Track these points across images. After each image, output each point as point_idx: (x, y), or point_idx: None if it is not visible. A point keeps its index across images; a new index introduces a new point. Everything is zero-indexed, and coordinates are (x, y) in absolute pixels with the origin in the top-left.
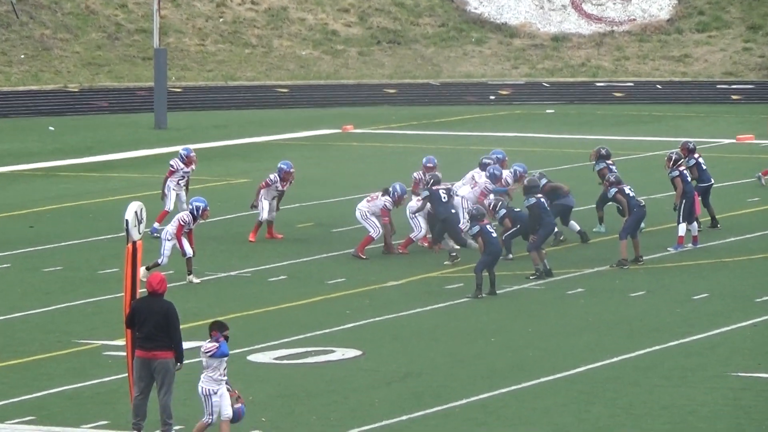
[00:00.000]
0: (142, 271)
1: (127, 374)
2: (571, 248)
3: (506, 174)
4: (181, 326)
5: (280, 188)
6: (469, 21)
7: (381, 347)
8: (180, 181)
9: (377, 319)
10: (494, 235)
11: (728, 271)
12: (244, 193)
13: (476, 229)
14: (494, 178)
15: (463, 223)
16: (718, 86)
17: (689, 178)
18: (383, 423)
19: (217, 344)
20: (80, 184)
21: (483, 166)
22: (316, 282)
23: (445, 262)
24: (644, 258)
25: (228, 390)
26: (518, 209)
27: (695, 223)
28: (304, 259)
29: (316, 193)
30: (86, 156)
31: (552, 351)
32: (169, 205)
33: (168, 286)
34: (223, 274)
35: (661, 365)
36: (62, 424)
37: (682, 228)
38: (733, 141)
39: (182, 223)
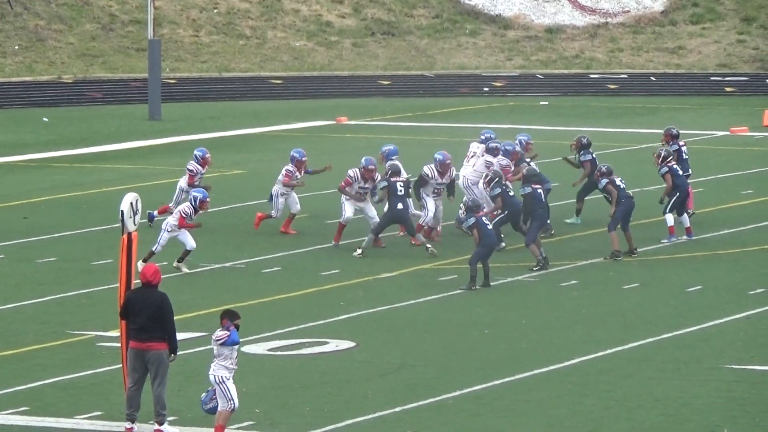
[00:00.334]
0: (139, 265)
1: (121, 365)
2: (565, 240)
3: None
4: (175, 317)
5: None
6: (464, 12)
7: (375, 339)
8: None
9: (371, 310)
10: (489, 227)
11: (722, 263)
12: (238, 184)
13: (472, 221)
14: (507, 154)
15: (461, 212)
16: (712, 78)
17: (680, 172)
18: (377, 414)
19: (228, 332)
20: (74, 175)
21: (490, 150)
22: (310, 273)
23: (355, 253)
24: (638, 250)
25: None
26: (513, 194)
27: (685, 215)
28: (299, 251)
29: (310, 184)
30: (80, 147)
31: (546, 343)
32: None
33: (162, 277)
34: (217, 266)
35: (655, 357)
36: (56, 415)
37: (670, 218)
38: (727, 133)
39: (184, 215)
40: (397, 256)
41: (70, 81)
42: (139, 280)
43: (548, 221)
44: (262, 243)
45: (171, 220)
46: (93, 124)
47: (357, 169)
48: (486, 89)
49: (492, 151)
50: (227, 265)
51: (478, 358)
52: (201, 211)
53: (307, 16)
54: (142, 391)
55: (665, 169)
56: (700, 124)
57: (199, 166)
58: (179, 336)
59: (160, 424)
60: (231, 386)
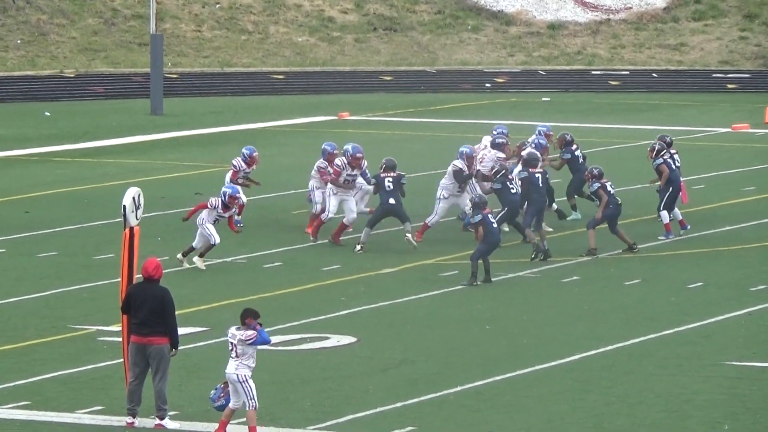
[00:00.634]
0: (198, 261)
1: (122, 360)
2: (566, 236)
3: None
4: (176, 312)
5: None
6: (466, 8)
7: (376, 334)
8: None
9: (372, 306)
10: (495, 225)
11: (723, 260)
12: None
13: (479, 217)
14: (540, 147)
15: (467, 209)
16: (714, 75)
17: (673, 166)
18: (378, 410)
19: (255, 332)
20: (76, 170)
21: (496, 146)
22: (311, 269)
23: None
24: (638, 246)
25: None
26: (515, 191)
27: (676, 209)
28: (300, 246)
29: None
30: (82, 141)
31: (547, 339)
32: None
33: (164, 271)
34: (218, 261)
35: (656, 354)
36: (57, 409)
37: (665, 215)
38: (729, 130)
39: (210, 206)
40: (398, 252)
41: (72, 75)
42: (140, 275)
43: (553, 204)
44: (263, 238)
45: (204, 215)
46: (95, 119)
47: (344, 158)
48: (488, 85)
49: (499, 147)
50: (228, 260)
51: (479, 353)
52: (234, 209)
53: (310, 11)
54: (143, 385)
55: (660, 160)
56: (701, 120)
57: (244, 164)
58: (180, 331)
59: (161, 418)
60: (252, 385)
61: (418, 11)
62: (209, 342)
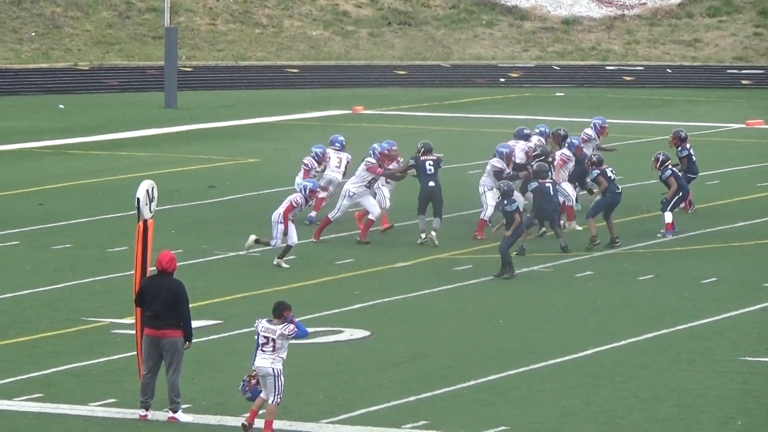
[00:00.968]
0: (250, 241)
1: (135, 352)
2: (579, 231)
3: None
4: (189, 305)
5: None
6: (480, 3)
7: (389, 328)
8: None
9: (386, 300)
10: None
11: (736, 255)
12: (254, 173)
13: (515, 205)
14: (572, 147)
15: (495, 197)
16: (729, 71)
17: (679, 173)
18: (391, 404)
19: (293, 325)
20: (89, 163)
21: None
22: (325, 262)
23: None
24: (619, 240)
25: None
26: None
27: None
28: (313, 240)
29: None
30: (96, 134)
31: (560, 334)
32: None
33: (178, 264)
34: (232, 254)
35: (669, 349)
36: (70, 402)
37: (668, 216)
38: (743, 126)
39: (294, 204)
40: (412, 246)
41: (87, 68)
42: (154, 267)
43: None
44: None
45: (280, 210)
46: (109, 112)
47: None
48: (502, 80)
49: (524, 137)
50: (242, 253)
51: (492, 348)
52: (311, 202)
53: (324, 5)
54: (156, 378)
55: (668, 172)
56: (715, 116)
57: (315, 163)
58: (194, 324)
59: (174, 411)
60: (283, 380)
61: (432, 6)
62: (223, 335)
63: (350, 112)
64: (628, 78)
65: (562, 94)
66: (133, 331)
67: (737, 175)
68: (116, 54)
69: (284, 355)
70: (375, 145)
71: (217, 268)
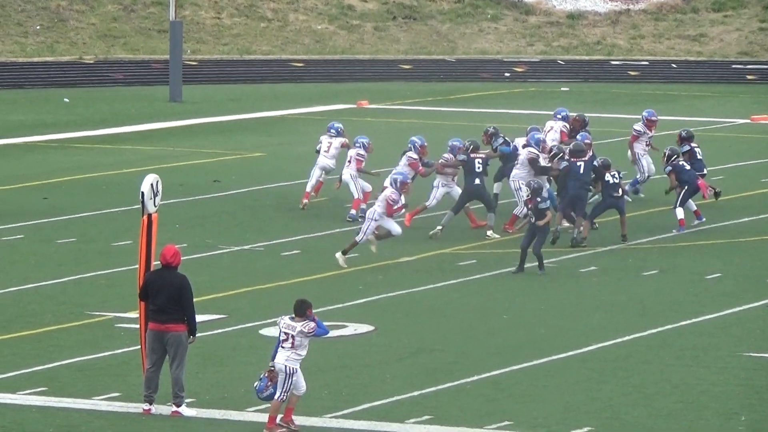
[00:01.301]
0: (338, 256)
1: (139, 346)
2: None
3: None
4: (194, 299)
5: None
6: None
7: (393, 323)
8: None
9: (390, 294)
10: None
11: (741, 251)
12: (258, 167)
13: (547, 203)
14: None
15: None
16: (734, 66)
17: (686, 167)
18: (395, 398)
19: (314, 323)
20: (94, 156)
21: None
22: (329, 257)
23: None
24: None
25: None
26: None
27: (690, 200)
28: (318, 234)
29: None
30: (100, 128)
31: (564, 329)
32: (359, 193)
33: (182, 258)
34: (236, 248)
35: (673, 344)
36: (74, 396)
37: (680, 212)
38: (748, 121)
39: (391, 202)
40: (416, 241)
41: (92, 62)
42: (158, 262)
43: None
44: (281, 226)
45: (377, 209)
46: (113, 106)
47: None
48: (507, 75)
49: (565, 119)
50: (246, 247)
51: (496, 343)
52: (403, 193)
53: None
54: (160, 372)
55: (669, 168)
56: (720, 111)
57: (365, 152)
58: (198, 318)
59: (178, 405)
60: (296, 379)
61: (437, 0)
62: (227, 329)
63: (355, 106)
64: (633, 73)
65: (567, 89)
66: (137, 325)
67: (742, 171)
68: (121, 47)
69: (303, 353)
70: (414, 138)
71: (221, 262)
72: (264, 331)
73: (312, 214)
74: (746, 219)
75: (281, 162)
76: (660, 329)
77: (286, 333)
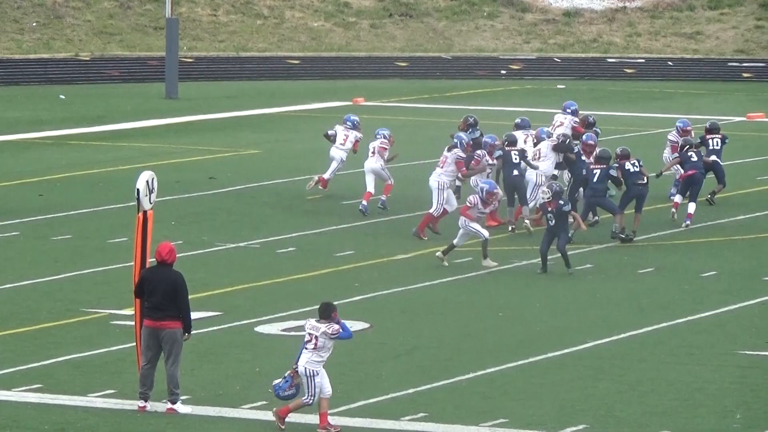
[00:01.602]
0: (439, 254)
1: (134, 343)
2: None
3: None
4: (189, 296)
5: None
6: None
7: (389, 320)
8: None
9: (385, 292)
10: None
11: (737, 249)
12: (254, 164)
13: (569, 206)
14: (590, 138)
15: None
16: (730, 64)
17: (693, 158)
18: (390, 395)
19: (339, 326)
20: (90, 153)
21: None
22: (324, 254)
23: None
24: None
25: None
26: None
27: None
28: (314, 231)
29: (325, 165)
30: (97, 125)
31: (560, 326)
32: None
33: (178, 255)
34: (232, 245)
35: (669, 342)
36: (69, 392)
37: (692, 206)
38: (744, 119)
39: (469, 204)
40: (412, 238)
41: (88, 59)
42: (154, 259)
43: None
44: (277, 223)
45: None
46: (110, 102)
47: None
48: (503, 72)
49: (574, 113)
50: (242, 244)
51: (491, 340)
52: (491, 204)
53: None
54: (155, 369)
55: (675, 155)
56: (716, 109)
57: (387, 142)
58: (193, 315)
59: (173, 403)
60: (319, 381)
61: None
62: (222, 327)
63: (351, 103)
64: (629, 70)
65: (564, 86)
66: (133, 323)
67: (738, 169)
68: (117, 44)
69: (325, 355)
70: (461, 135)
71: (217, 259)
72: (259, 329)
73: (308, 211)
74: (742, 217)
75: (277, 159)
76: (655, 327)
77: (310, 334)
